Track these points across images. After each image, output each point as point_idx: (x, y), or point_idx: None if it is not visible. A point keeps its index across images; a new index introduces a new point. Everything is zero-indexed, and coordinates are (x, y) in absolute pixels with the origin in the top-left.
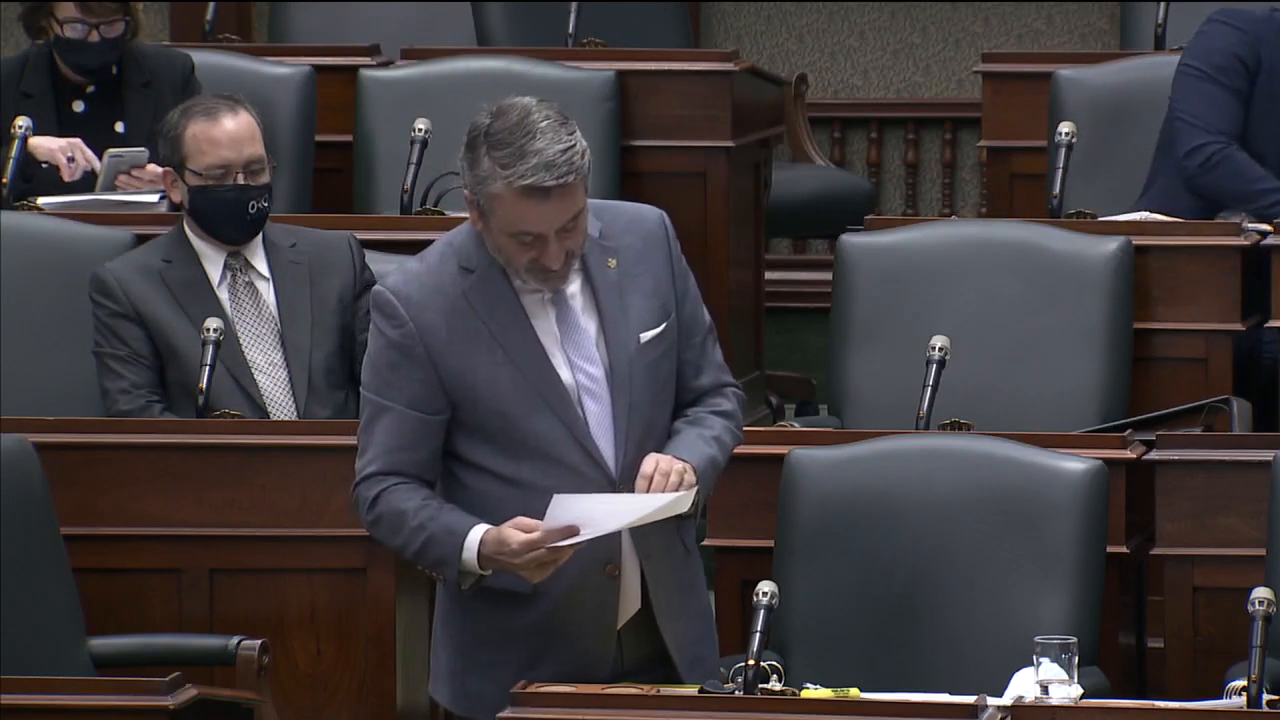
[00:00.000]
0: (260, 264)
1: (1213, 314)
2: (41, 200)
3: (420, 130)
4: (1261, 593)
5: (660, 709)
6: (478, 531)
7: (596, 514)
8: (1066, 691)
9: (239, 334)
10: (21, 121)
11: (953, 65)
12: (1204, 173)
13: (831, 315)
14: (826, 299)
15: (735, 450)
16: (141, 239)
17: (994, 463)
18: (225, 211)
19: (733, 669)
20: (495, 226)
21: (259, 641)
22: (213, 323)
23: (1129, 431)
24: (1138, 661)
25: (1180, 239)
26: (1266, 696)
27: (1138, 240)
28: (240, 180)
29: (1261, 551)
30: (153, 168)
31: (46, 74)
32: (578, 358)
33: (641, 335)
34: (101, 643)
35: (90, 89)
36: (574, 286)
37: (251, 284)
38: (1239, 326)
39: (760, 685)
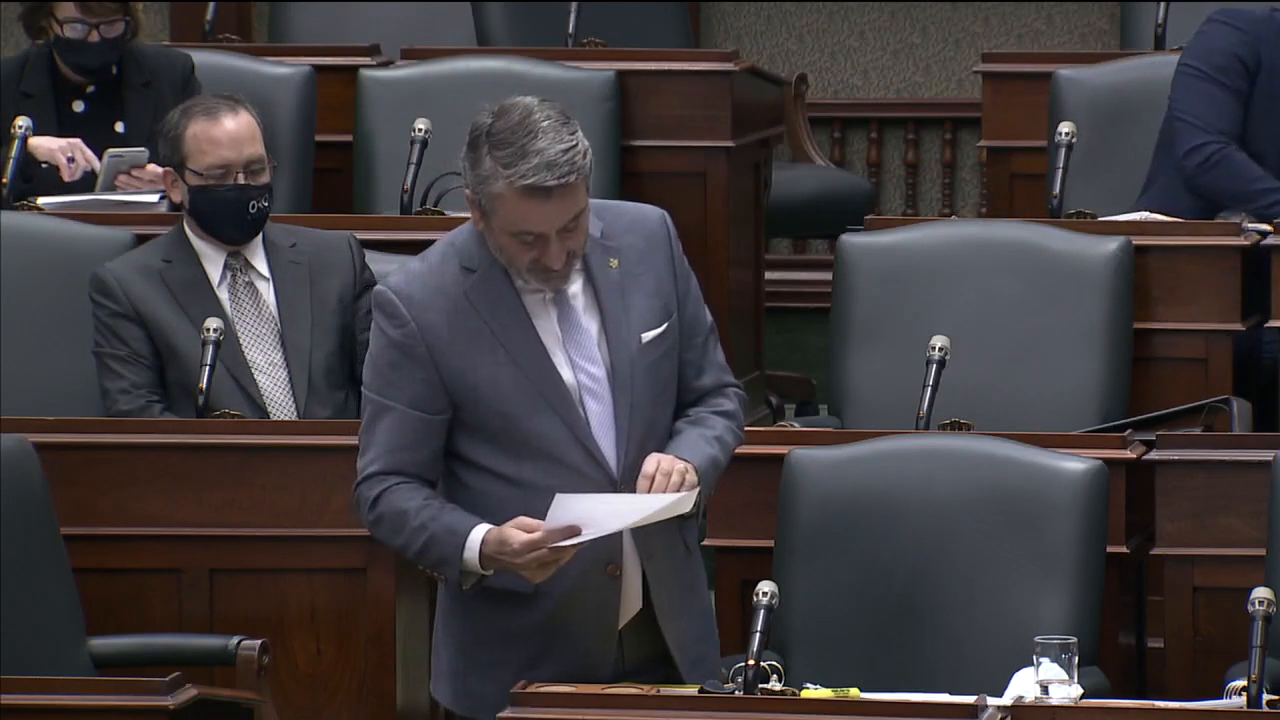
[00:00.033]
0: (260, 264)
1: (1213, 314)
2: (41, 200)
3: (420, 130)
4: (1261, 593)
5: (660, 709)
6: (479, 531)
7: (598, 514)
8: (1066, 691)
9: (239, 334)
10: (21, 121)
11: (953, 65)
12: (1203, 173)
13: (831, 315)
14: (826, 299)
15: (736, 450)
16: (141, 239)
17: (994, 463)
18: (225, 211)
19: (733, 669)
20: (497, 226)
21: (259, 641)
22: (213, 323)
23: (1129, 431)
24: (1138, 661)
25: (1180, 239)
26: (1266, 696)
27: (1138, 240)
28: (240, 180)
29: (1261, 551)
30: (153, 168)
31: (46, 74)
32: (579, 358)
33: (643, 335)
34: (101, 643)
35: (90, 89)
36: (576, 286)
37: (251, 284)
38: (1239, 326)
39: (760, 685)
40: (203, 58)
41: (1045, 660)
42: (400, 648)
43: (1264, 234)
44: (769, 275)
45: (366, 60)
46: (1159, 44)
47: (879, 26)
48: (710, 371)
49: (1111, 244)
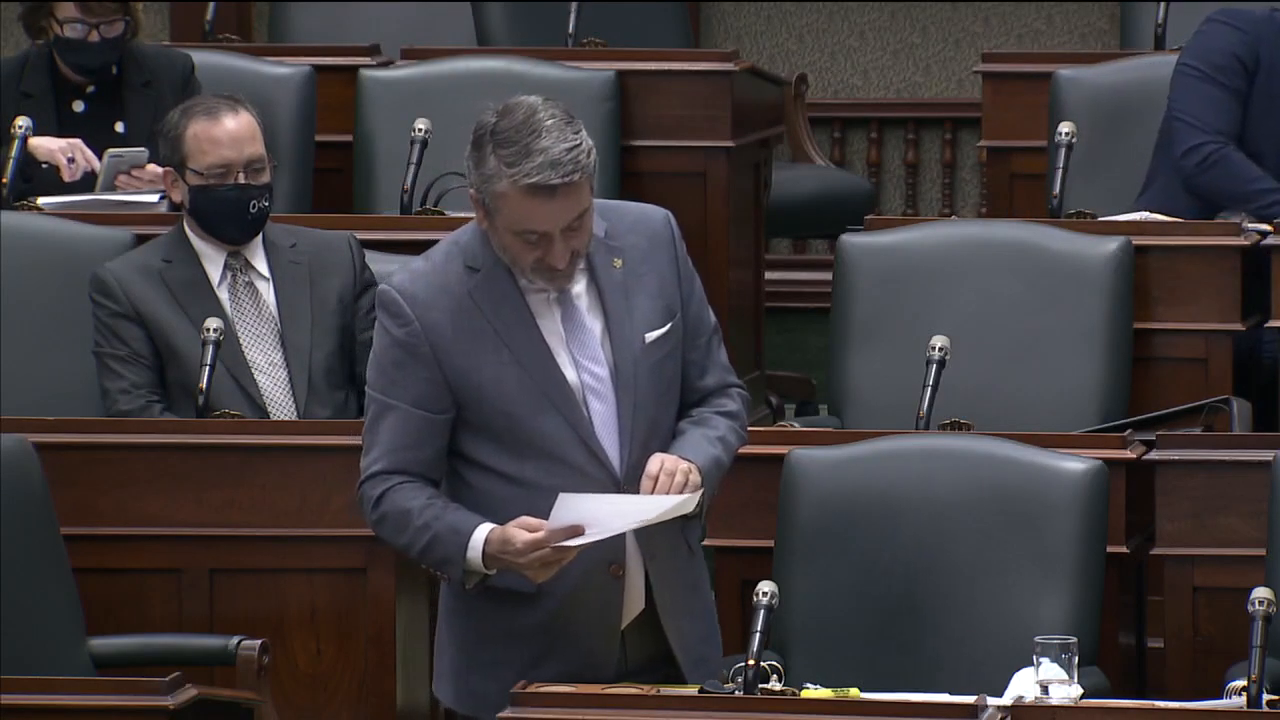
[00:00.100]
0: (260, 264)
1: (1213, 314)
2: (41, 200)
3: (420, 130)
4: (1261, 593)
5: (660, 709)
6: (482, 531)
7: (601, 514)
8: (1066, 691)
9: (239, 334)
10: (21, 121)
11: (953, 65)
12: (1201, 172)
13: (831, 315)
14: (826, 299)
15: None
16: (141, 239)
17: (994, 463)
18: (226, 211)
19: (733, 669)
20: (501, 225)
21: (259, 641)
22: (213, 323)
23: (1129, 431)
24: (1138, 661)
25: (1180, 239)
26: (1266, 696)
27: (1138, 240)
28: (241, 180)
29: (1261, 551)
30: (153, 168)
31: (46, 74)
32: (583, 357)
33: (647, 335)
34: (101, 643)
35: (90, 89)
36: (579, 286)
37: (251, 284)
38: (1239, 326)
39: (760, 685)
40: (203, 58)
41: (1045, 660)
42: (400, 648)
43: (1264, 234)
44: (769, 275)
45: (366, 60)
46: (1159, 44)
47: (879, 26)
48: (714, 372)
49: (1111, 244)
